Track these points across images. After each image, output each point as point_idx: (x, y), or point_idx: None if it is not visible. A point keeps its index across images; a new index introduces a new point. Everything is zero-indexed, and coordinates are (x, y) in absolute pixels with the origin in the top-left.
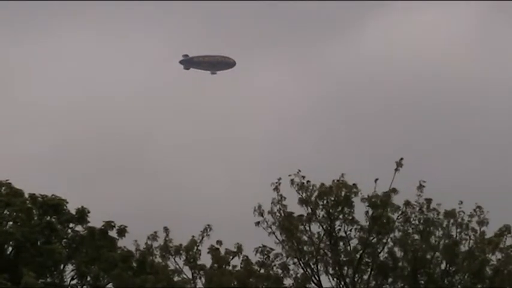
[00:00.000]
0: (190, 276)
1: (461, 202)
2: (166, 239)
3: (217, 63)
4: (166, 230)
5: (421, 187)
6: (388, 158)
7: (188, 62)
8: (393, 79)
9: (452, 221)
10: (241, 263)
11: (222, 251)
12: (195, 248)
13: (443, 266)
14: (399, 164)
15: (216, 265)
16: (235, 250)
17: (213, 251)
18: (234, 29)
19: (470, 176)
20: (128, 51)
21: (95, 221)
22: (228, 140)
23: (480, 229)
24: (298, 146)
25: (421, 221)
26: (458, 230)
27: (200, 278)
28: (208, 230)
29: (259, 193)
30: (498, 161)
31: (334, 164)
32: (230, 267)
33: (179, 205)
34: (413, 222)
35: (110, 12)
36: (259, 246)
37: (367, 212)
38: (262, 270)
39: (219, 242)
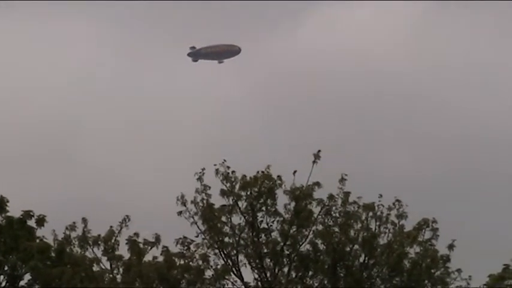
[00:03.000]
0: (108, 267)
1: (381, 196)
2: (85, 229)
3: (224, 52)
4: (84, 220)
5: (343, 180)
6: (315, 150)
7: (196, 54)
8: (327, 72)
9: (371, 214)
10: (161, 254)
11: (141, 241)
12: (113, 238)
13: (362, 259)
14: (317, 157)
15: (134, 257)
16: (153, 241)
17: (131, 242)
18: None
19: (390, 169)
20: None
21: (15, 210)
22: (163, 127)
23: (399, 222)
24: (233, 136)
25: (342, 214)
26: (378, 223)
27: (118, 268)
28: (127, 220)
29: (187, 182)
30: (416, 156)
31: (261, 155)
32: (150, 258)
33: (102, 194)
34: (334, 215)
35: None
36: (180, 238)
37: (288, 204)
38: (182, 262)
39: (136, 234)
